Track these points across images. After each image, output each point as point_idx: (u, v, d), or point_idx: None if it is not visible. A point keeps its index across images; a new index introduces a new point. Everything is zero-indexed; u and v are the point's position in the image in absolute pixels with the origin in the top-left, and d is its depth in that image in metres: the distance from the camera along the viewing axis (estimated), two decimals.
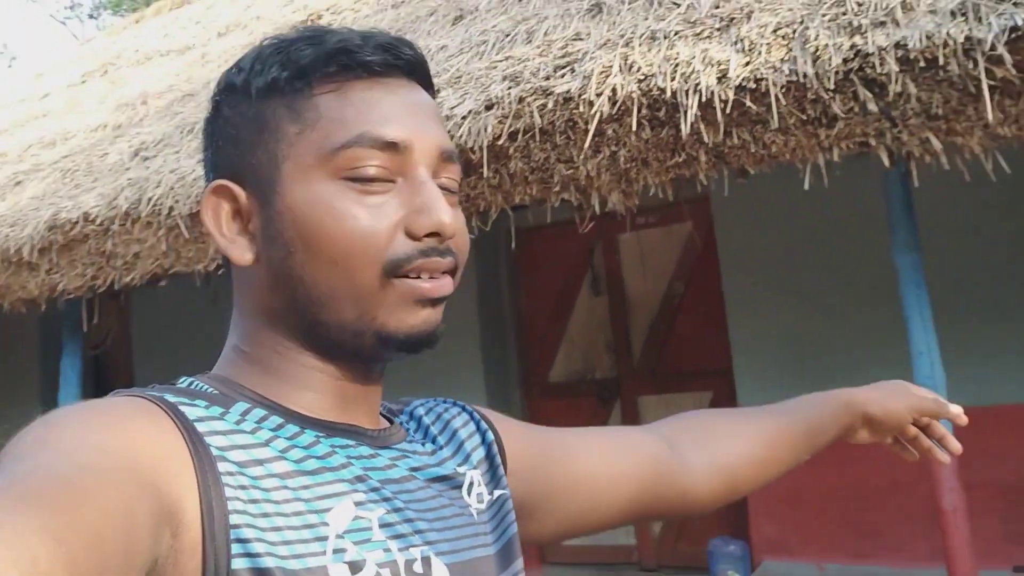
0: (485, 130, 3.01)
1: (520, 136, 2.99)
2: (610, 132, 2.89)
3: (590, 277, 4.86)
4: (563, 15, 3.59)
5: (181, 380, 0.66)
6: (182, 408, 0.59)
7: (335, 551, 0.58)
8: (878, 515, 3.75)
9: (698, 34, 2.94)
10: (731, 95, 2.66)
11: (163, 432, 0.56)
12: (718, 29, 2.92)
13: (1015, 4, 2.40)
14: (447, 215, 0.64)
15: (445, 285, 0.66)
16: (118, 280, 3.74)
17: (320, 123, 0.65)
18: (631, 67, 2.91)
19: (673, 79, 2.78)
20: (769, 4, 2.92)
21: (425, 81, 0.72)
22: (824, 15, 2.72)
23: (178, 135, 4.23)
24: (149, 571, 0.51)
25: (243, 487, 0.57)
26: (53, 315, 4.53)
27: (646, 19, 3.17)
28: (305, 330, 0.66)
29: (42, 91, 7.13)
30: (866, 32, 2.56)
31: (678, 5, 3.17)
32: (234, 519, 0.55)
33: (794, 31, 2.72)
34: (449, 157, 0.69)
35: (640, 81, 2.83)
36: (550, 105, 2.94)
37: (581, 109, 2.87)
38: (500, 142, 3.01)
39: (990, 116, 2.34)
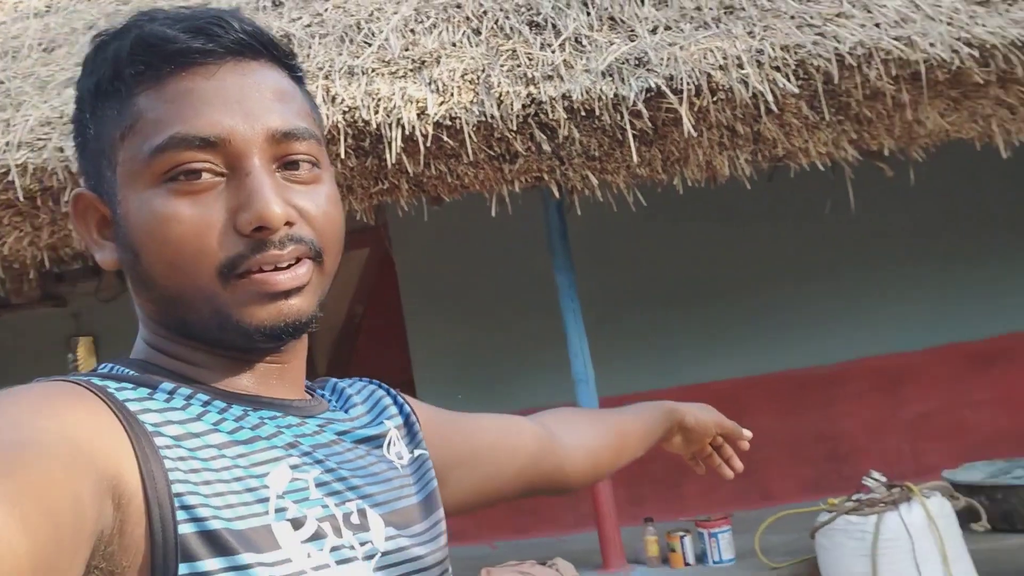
0: None
1: None
2: None
3: None
4: None
5: (101, 366, 0.66)
6: (110, 390, 0.59)
7: (277, 510, 0.59)
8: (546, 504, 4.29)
9: (394, 73, 3.21)
10: (430, 130, 2.96)
11: (95, 411, 0.56)
12: (411, 70, 3.21)
13: (648, 70, 3.04)
14: (274, 205, 0.61)
15: (298, 275, 0.64)
16: None
17: (138, 125, 0.62)
18: (334, 99, 3.09)
19: (376, 112, 3.01)
20: (455, 52, 3.29)
21: (266, 55, 0.67)
22: (503, 65, 3.16)
23: None
24: (96, 543, 0.52)
25: (182, 458, 0.58)
26: None
27: (340, 55, 3.36)
28: (178, 326, 0.65)
29: None
30: (539, 83, 3.04)
31: (370, 44, 3.41)
32: (176, 488, 0.56)
33: (479, 77, 3.12)
34: (289, 136, 0.64)
35: (344, 113, 3.02)
36: None
37: None
38: None
39: (634, 158, 2.92)
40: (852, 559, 2.76)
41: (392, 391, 0.86)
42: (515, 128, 2.98)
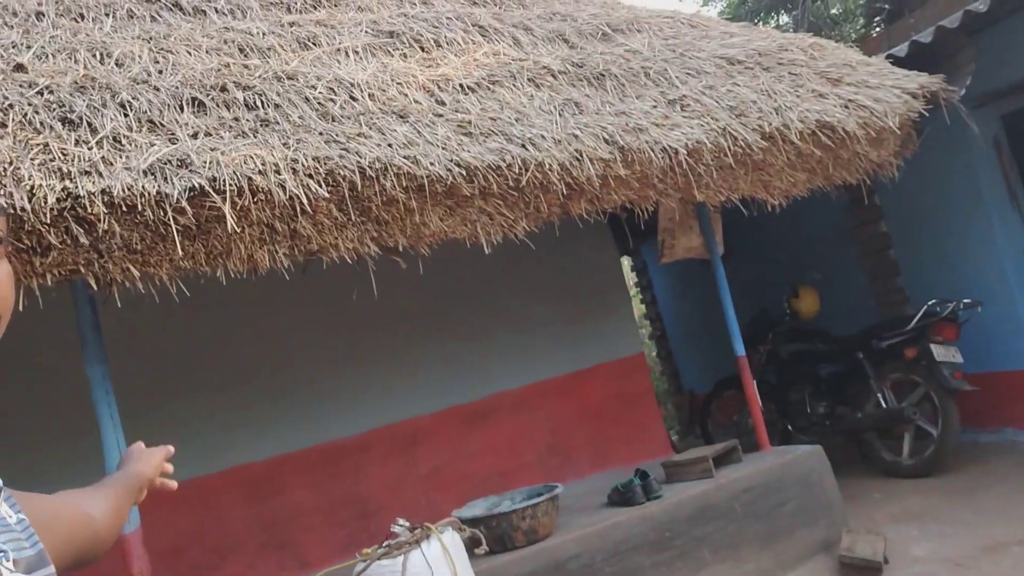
0: None
1: None
2: None
3: None
4: None
5: None
6: None
7: None
8: None
9: None
10: None
11: None
12: None
13: (192, 171, 3.22)
14: None
15: None
16: None
17: None
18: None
19: None
20: None
21: None
22: (34, 159, 3.07)
23: None
24: None
25: None
26: None
27: None
28: None
29: None
30: (76, 178, 3.03)
31: None
32: None
33: (5, 168, 3.00)
34: None
35: None
36: None
37: None
38: None
39: (179, 252, 3.06)
40: None
41: None
42: (49, 221, 2.92)
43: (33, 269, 3.01)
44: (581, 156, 4.02)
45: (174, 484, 1.55)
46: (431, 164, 3.60)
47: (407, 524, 3.36)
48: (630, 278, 10.72)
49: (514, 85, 4.48)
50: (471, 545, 3.53)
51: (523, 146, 3.91)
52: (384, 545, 3.25)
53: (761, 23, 13.98)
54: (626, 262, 10.06)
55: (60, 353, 3.93)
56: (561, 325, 5.55)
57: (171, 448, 1.56)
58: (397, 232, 3.64)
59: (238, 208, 3.21)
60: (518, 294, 5.47)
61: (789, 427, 6.19)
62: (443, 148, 3.73)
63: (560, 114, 4.28)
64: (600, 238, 5.83)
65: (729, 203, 4.60)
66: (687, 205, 4.86)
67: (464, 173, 3.66)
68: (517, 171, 3.80)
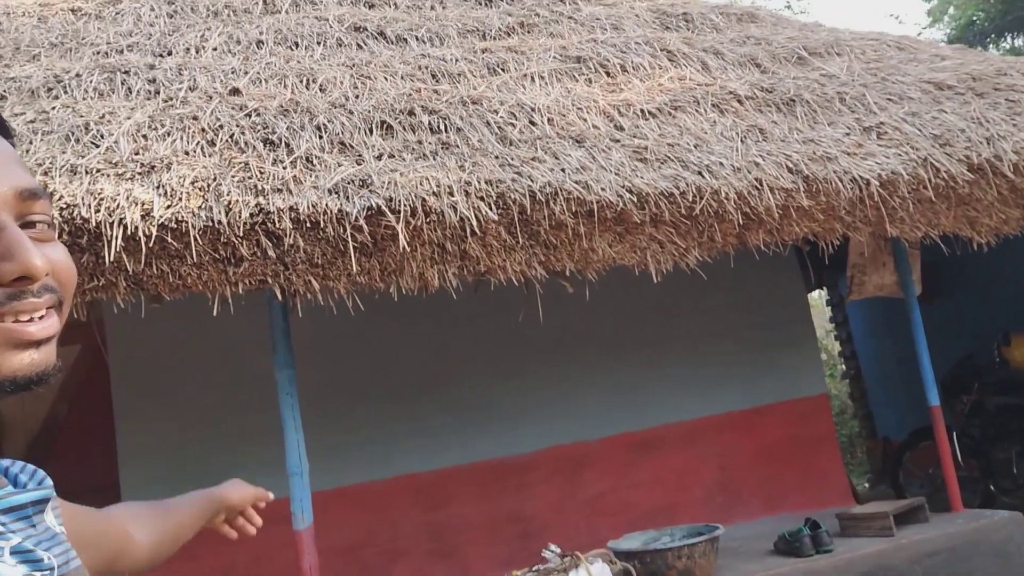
0: None
1: None
2: None
3: None
4: None
5: None
6: None
7: None
8: None
9: (120, 174, 3.29)
10: (154, 231, 3.07)
11: None
12: (140, 173, 3.32)
13: (371, 190, 3.40)
14: (35, 257, 0.64)
15: (49, 325, 0.67)
16: None
17: None
18: (51, 195, 3.10)
19: (98, 211, 3.07)
20: (187, 159, 3.45)
21: None
22: (234, 176, 3.36)
23: None
24: None
25: None
26: None
27: (64, 153, 3.38)
28: None
29: None
30: (268, 195, 3.28)
31: (97, 145, 3.47)
32: None
33: (209, 185, 3.30)
34: (32, 195, 0.69)
35: (63, 210, 3.05)
36: None
37: None
38: None
39: (355, 267, 3.22)
40: None
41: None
42: (242, 234, 3.17)
43: (227, 278, 3.28)
44: (761, 185, 3.85)
45: (253, 529, 1.51)
46: (602, 189, 3.58)
47: (558, 550, 3.35)
48: (824, 313, 10.13)
49: (697, 110, 4.38)
50: None
51: (699, 173, 3.81)
52: (534, 569, 3.25)
53: (993, 46, 12.81)
54: (819, 296, 9.53)
55: (252, 358, 4.24)
56: (736, 359, 5.34)
57: (270, 495, 1.54)
58: (565, 256, 3.64)
59: (411, 228, 3.34)
60: (691, 324, 5.32)
61: (992, 488, 5.60)
62: (616, 174, 3.70)
63: (742, 141, 4.12)
64: (784, 270, 5.55)
65: (928, 239, 4.24)
66: (879, 240, 4.53)
67: (635, 199, 3.61)
68: (691, 199, 3.70)
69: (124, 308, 3.35)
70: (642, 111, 4.27)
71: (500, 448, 4.76)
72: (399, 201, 3.33)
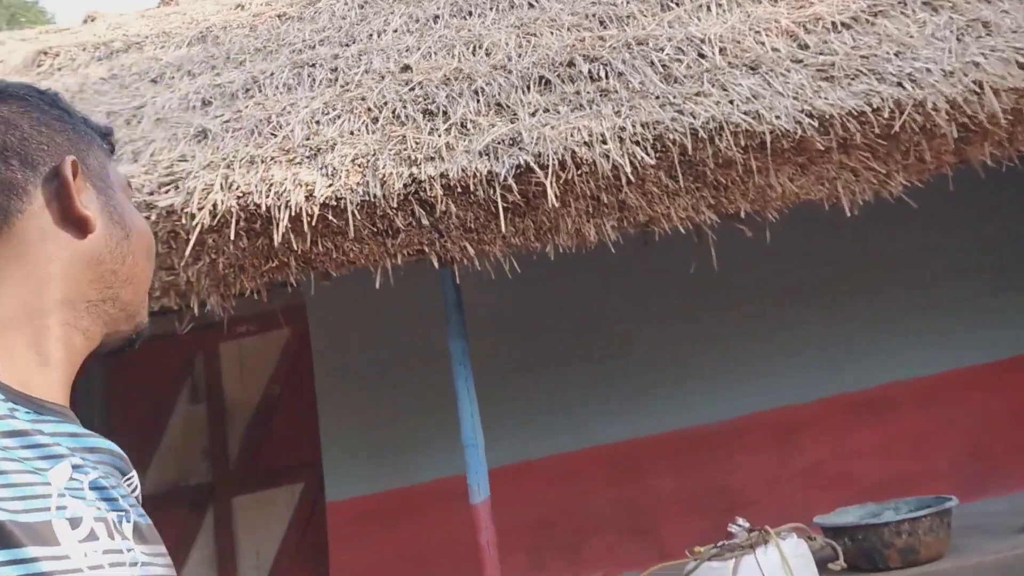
0: None
1: None
2: (210, 242, 3.24)
3: (190, 386, 5.02)
4: (170, 139, 3.91)
5: None
6: None
7: (58, 508, 0.62)
8: (454, 560, 4.34)
9: (291, 160, 3.46)
10: (316, 210, 3.19)
11: None
12: (308, 157, 3.47)
13: (520, 148, 3.29)
14: None
15: None
16: None
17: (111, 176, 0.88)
18: (231, 185, 3.33)
19: (268, 196, 3.25)
20: (351, 139, 3.56)
21: None
22: (391, 150, 3.41)
23: None
24: None
25: None
26: None
27: (247, 146, 3.62)
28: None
29: None
30: (421, 164, 3.28)
31: (275, 135, 3.68)
32: None
33: (368, 161, 3.37)
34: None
35: (239, 197, 3.26)
36: (153, 217, 3.22)
37: (183, 221, 3.20)
38: None
39: (503, 229, 3.13)
40: None
41: None
42: (396, 205, 3.20)
43: (386, 250, 3.34)
44: (981, 88, 3.23)
45: None
46: (776, 118, 3.19)
47: (746, 525, 3.05)
48: None
49: (902, 12, 3.77)
50: (826, 558, 3.07)
51: (898, 84, 3.27)
52: (717, 545, 2.99)
53: None
54: None
55: (425, 329, 4.30)
56: (980, 301, 4.54)
57: None
58: (738, 197, 3.30)
59: (561, 182, 3.18)
60: (914, 266, 4.60)
61: None
62: (794, 98, 3.28)
63: (958, 39, 3.48)
64: None
65: None
66: None
67: (816, 124, 3.17)
68: (887, 116, 3.19)
69: (321, 295, 3.54)
70: (833, 24, 3.75)
71: (697, 415, 4.40)
72: (547, 155, 3.19)
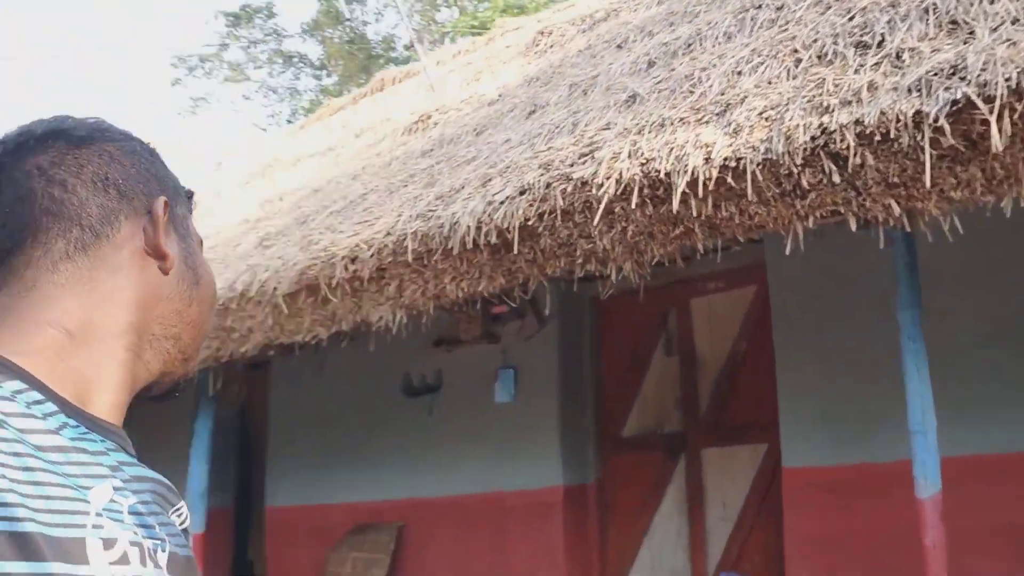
0: (517, 212, 3.47)
1: (547, 216, 3.42)
2: (618, 210, 3.26)
3: (664, 339, 5.17)
4: (604, 107, 4.02)
5: None
6: None
7: (94, 526, 0.62)
8: (896, 556, 3.76)
9: (699, 119, 3.28)
10: (715, 173, 2.98)
11: None
12: (717, 114, 3.25)
13: (961, 78, 2.62)
14: None
15: None
16: (236, 351, 4.46)
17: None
18: (637, 152, 3.30)
19: (668, 161, 3.14)
20: (764, 89, 3.24)
21: None
22: (804, 97, 3.00)
23: (295, 226, 4.98)
24: None
25: (17, 454, 0.60)
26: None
27: (664, 108, 3.54)
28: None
29: (215, 190, 8.30)
30: (833, 111, 2.83)
31: (692, 93, 3.53)
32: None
33: (777, 113, 3.02)
34: None
35: (642, 164, 3.21)
36: (570, 189, 3.35)
37: (594, 191, 3.27)
38: (530, 222, 3.46)
39: (928, 183, 2.55)
40: None
41: None
42: (801, 162, 2.83)
43: (796, 212, 2.98)
44: None
45: None
46: None
47: None
48: None
49: None
50: None
51: None
52: None
53: None
54: None
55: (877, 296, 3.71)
56: None
57: None
58: None
59: (1017, 116, 2.46)
60: None
61: None
62: None
63: None
64: None
65: None
66: None
67: None
68: None
69: (778, 254, 3.32)
70: None
71: None
72: (996, 84, 2.48)
